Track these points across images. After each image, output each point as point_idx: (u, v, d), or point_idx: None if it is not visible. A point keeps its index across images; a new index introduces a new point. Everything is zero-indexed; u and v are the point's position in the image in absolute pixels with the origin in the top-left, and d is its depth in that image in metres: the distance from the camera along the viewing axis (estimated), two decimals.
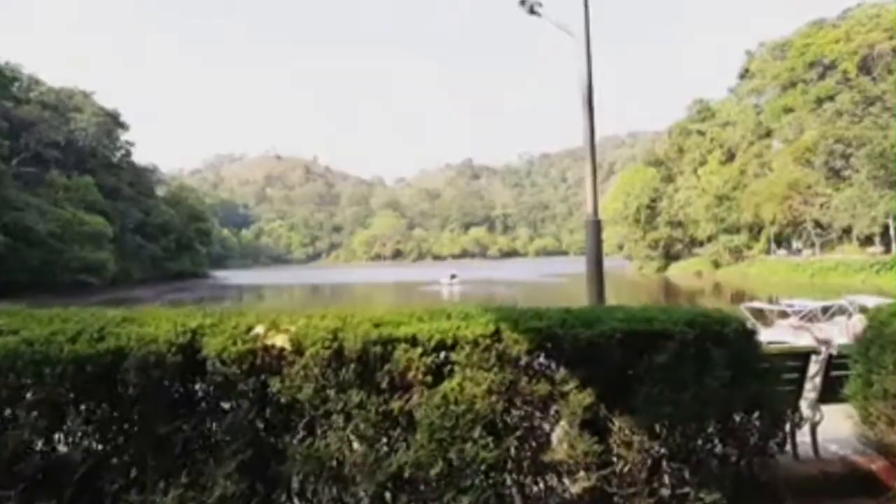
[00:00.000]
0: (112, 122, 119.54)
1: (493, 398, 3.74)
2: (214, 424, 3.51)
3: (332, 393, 3.57)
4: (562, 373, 3.95)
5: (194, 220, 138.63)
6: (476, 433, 3.64)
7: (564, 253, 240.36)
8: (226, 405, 3.54)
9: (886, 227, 71.61)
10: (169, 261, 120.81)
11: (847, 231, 78.27)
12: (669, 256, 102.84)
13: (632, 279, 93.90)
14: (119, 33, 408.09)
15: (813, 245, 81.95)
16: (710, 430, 4.16)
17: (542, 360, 4.00)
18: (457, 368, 3.79)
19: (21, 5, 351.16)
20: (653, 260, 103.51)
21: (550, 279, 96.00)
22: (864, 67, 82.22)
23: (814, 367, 6.57)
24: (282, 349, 3.56)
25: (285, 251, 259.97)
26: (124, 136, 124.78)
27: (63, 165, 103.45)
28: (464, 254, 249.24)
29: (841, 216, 76.28)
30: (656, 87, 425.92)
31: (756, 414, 4.26)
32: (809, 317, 28.19)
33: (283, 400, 3.54)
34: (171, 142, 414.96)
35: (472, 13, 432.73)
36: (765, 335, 23.19)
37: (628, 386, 4.03)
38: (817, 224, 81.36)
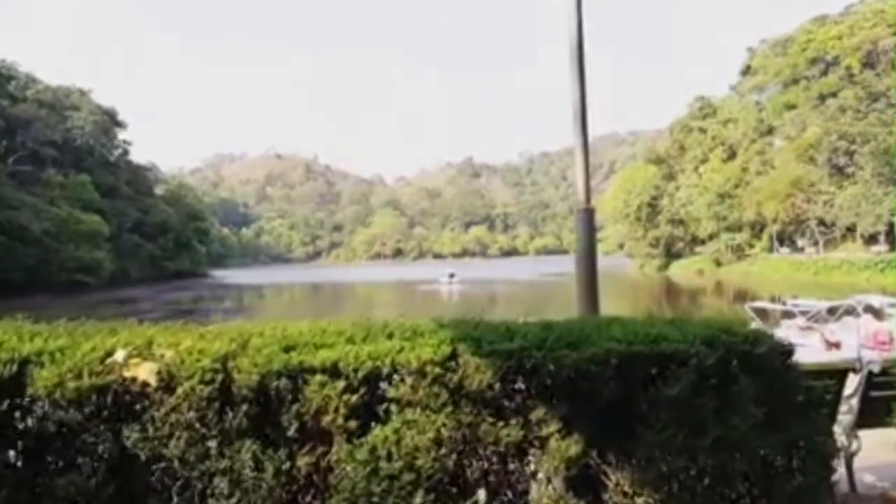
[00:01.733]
0: (110, 120, 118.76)
1: (444, 449, 2.73)
2: (43, 494, 2.49)
3: (213, 445, 2.55)
4: (540, 411, 2.94)
5: (193, 218, 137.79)
6: (418, 499, 2.62)
7: (565, 252, 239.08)
8: (60, 465, 2.51)
9: (891, 225, 70.56)
10: (167, 260, 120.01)
11: (851, 229, 77.27)
12: (671, 255, 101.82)
13: (633, 278, 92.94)
14: (119, 33, 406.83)
15: (816, 243, 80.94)
16: (736, 482, 3.14)
17: (512, 393, 2.98)
18: (394, 409, 2.78)
19: (21, 5, 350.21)
20: (654, 258, 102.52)
21: (550, 278, 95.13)
22: (868, 63, 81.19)
23: (848, 385, 5.56)
24: (144, 384, 2.54)
25: (286, 250, 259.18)
26: (122, 135, 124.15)
27: (60, 164, 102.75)
28: (464, 253, 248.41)
29: (845, 214, 75.25)
30: (657, 84, 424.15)
31: (797, 461, 3.25)
32: (816, 317, 27.25)
33: (143, 456, 2.51)
34: (171, 141, 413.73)
35: (473, 12, 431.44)
36: None
37: (628, 428, 3.02)
38: (820, 222, 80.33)
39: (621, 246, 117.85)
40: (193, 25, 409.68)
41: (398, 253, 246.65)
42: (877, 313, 25.82)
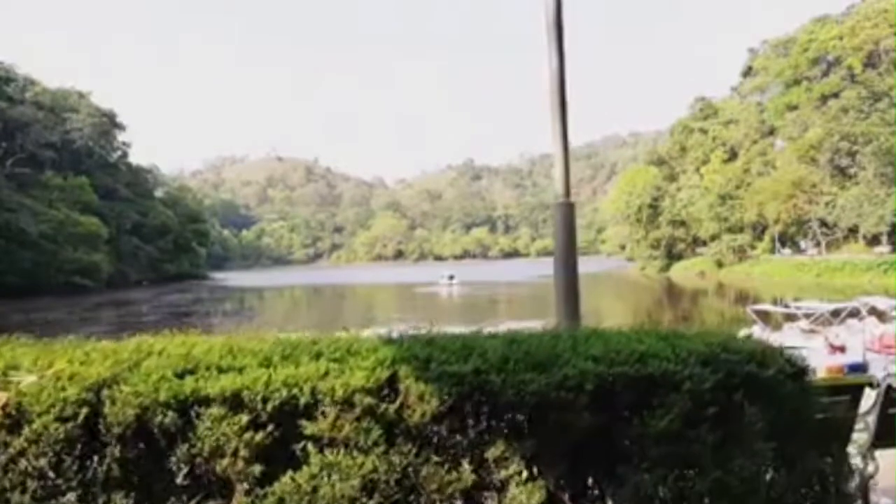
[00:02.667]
0: (108, 122, 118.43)
1: (375, 498, 2.17)
2: None
3: (72, 500, 1.99)
4: (498, 448, 2.37)
5: (192, 221, 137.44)
6: None
7: None
8: None
9: (894, 226, 69.96)
10: (167, 262, 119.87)
11: (853, 230, 76.70)
12: (672, 256, 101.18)
13: (633, 280, 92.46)
14: (120, 35, 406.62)
15: (818, 244, 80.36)
16: None
17: (465, 427, 2.42)
18: (311, 449, 2.21)
19: (22, 6, 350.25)
20: (655, 260, 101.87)
21: (549, 280, 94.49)
22: (870, 63, 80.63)
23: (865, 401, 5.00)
24: None
25: (286, 252, 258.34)
26: (121, 137, 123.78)
27: (59, 166, 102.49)
28: (465, 254, 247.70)
29: (847, 215, 74.70)
30: (658, 86, 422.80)
31: (811, 502, 2.69)
32: (820, 320, 26.70)
33: None
34: (172, 143, 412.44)
35: (473, 13, 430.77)
36: (773, 339, 21.51)
37: (608, 467, 2.47)
38: (822, 223, 79.74)
39: (623, 247, 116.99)
40: (193, 27, 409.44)
41: (399, 255, 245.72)
42: (881, 316, 25.30)
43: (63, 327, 47.51)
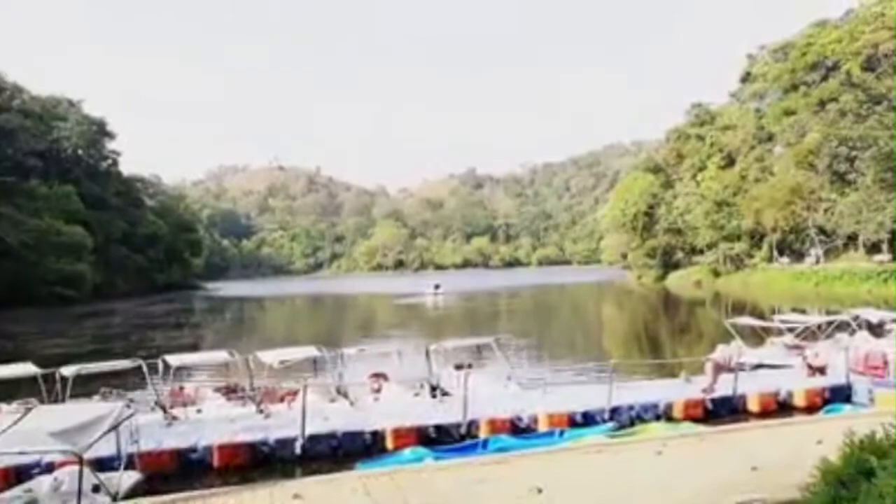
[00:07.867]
0: (98, 130, 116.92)
1: None
2: None
3: None
4: None
5: (184, 230, 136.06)
6: None
7: (567, 262, 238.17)
8: None
9: (894, 233, 67.60)
10: (157, 272, 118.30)
11: (853, 237, 74.34)
12: (668, 265, 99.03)
13: (630, 289, 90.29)
14: (121, 42, 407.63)
15: (817, 253, 78.01)
16: None
17: None
18: None
19: (23, 15, 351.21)
20: (651, 268, 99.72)
21: (541, 289, 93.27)
22: (869, 68, 78.37)
23: None
24: None
25: (287, 262, 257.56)
26: (111, 145, 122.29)
27: (45, 175, 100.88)
28: (466, 263, 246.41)
29: (846, 222, 72.36)
30: (660, 93, 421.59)
31: None
32: (807, 334, 24.27)
33: None
34: (173, 153, 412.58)
35: (475, 21, 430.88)
36: (755, 356, 18.77)
37: None
38: (821, 230, 77.45)
39: (624, 256, 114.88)
40: (195, 34, 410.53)
41: (400, 264, 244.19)
42: (874, 330, 22.95)
43: (21, 340, 45.57)
